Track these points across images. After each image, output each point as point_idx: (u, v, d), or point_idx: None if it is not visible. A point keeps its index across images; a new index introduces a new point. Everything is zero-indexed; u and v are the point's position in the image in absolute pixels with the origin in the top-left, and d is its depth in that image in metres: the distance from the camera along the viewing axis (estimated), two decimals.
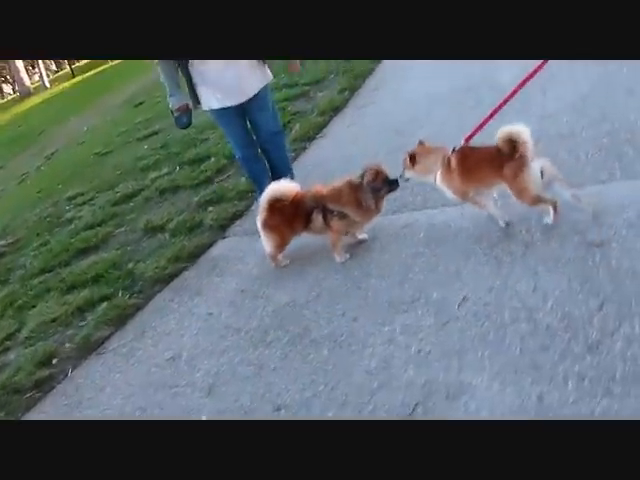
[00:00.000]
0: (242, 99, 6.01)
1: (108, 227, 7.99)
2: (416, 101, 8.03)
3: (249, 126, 6.28)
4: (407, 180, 5.08)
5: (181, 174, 8.74)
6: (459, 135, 4.81)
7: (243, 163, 6.48)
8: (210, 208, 7.27)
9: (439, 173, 4.83)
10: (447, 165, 4.75)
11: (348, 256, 5.29)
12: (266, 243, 5.49)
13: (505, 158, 4.44)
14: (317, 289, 5.01)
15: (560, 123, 6.01)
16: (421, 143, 5.00)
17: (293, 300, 5.00)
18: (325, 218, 5.28)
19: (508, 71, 7.36)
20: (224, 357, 4.70)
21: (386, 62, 10.28)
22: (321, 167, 7.18)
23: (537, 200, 4.52)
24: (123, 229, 7.81)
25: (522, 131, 4.36)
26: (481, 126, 4.67)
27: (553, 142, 5.66)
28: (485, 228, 4.86)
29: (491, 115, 4.65)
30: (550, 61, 4.46)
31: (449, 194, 4.88)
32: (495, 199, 4.94)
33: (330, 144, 7.84)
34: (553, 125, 6.02)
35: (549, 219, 4.56)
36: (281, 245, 5.51)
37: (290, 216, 5.36)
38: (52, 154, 16.21)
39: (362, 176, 5.17)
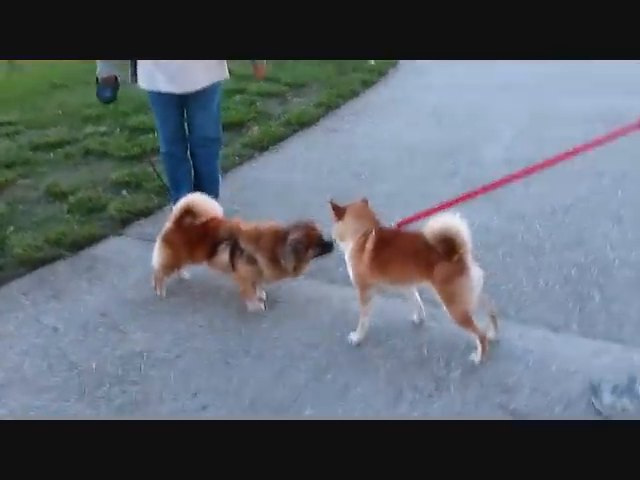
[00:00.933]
0: (184, 89, 5.01)
1: (13, 173, 6.92)
2: (390, 146, 7.09)
3: (185, 123, 5.27)
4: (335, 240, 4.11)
5: (115, 139, 7.70)
6: (417, 206, 3.92)
7: (165, 159, 5.48)
8: (124, 192, 6.25)
9: (350, 247, 3.87)
10: (362, 243, 3.79)
11: (262, 307, 4.38)
12: (156, 257, 4.54)
13: (437, 255, 3.51)
14: (182, 345, 4.04)
15: (530, 230, 5.10)
16: (363, 201, 4.00)
17: (149, 350, 4.02)
18: (233, 256, 4.30)
19: (495, 149, 6.50)
20: (40, 398, 3.70)
21: (378, 90, 9.33)
22: (257, 188, 6.21)
23: (467, 320, 3.60)
24: (27, 181, 6.75)
25: (460, 229, 3.45)
26: (424, 215, 3.75)
27: (515, 251, 4.76)
28: (402, 338, 3.93)
29: (443, 207, 3.73)
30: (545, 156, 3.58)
31: (351, 276, 3.93)
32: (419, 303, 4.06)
33: (279, 163, 6.86)
34: (522, 229, 5.12)
35: (476, 357, 3.63)
36: (171, 266, 4.57)
37: (195, 239, 4.43)
38: (21, 65, 14.95)
39: (288, 231, 4.19)
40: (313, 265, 4.50)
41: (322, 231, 4.21)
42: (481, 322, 3.71)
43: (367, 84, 9.46)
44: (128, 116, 8.52)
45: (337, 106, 8.57)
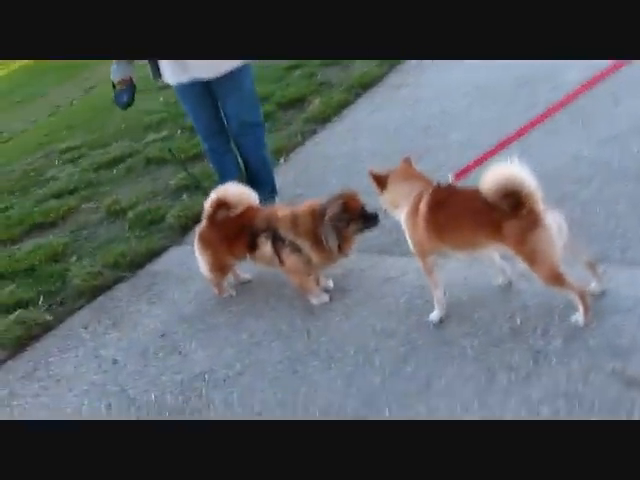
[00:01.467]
0: (209, 75, 4.54)
1: (76, 199, 6.70)
2: (460, 90, 6.40)
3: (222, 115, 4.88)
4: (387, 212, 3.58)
5: (175, 142, 7.34)
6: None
7: (208, 155, 5.09)
8: (183, 196, 5.87)
9: (405, 213, 3.33)
10: (415, 206, 3.24)
11: (327, 298, 3.87)
12: (200, 262, 4.19)
13: (502, 212, 2.92)
14: (245, 359, 3.62)
15: (627, 152, 4.38)
16: (406, 162, 3.48)
17: (210, 369, 3.63)
18: (276, 247, 3.83)
19: (580, 68, 5.72)
20: None
21: None
22: (321, 164, 5.70)
23: (557, 277, 2.97)
24: (90, 205, 6.48)
25: (522, 177, 2.83)
26: (484, 159, 3.17)
27: (612, 181, 4.06)
28: (489, 308, 3.34)
29: (504, 144, 3.14)
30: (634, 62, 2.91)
31: (410, 244, 3.39)
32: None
33: (343, 132, 6.32)
34: (617, 153, 4.39)
35: (579, 317, 3.00)
36: (219, 269, 4.17)
37: (232, 233, 4.02)
38: (91, 88, 14.96)
39: (325, 207, 3.69)
40: (384, 239, 4.00)
41: (364, 201, 3.73)
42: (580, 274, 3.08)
43: None
44: (186, 116, 8.14)
45: (401, 61, 7.90)
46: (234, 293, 4.24)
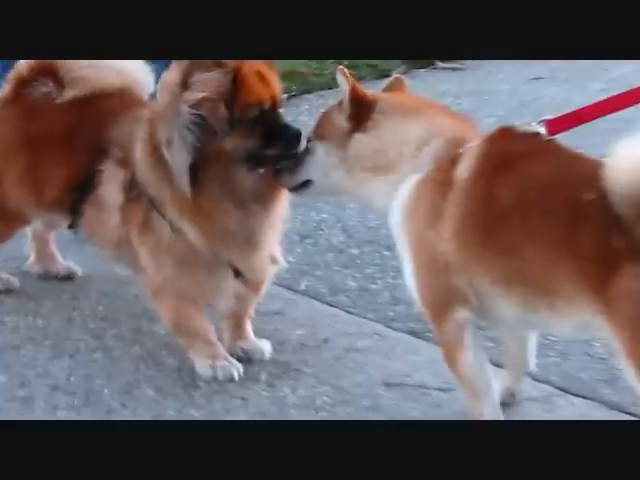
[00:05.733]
0: None
1: None
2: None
3: None
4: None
5: None
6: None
7: None
8: None
9: (412, 185, 2.15)
10: (443, 169, 2.11)
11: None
12: None
13: (632, 242, 1.84)
14: None
15: None
16: (398, 81, 2.47)
17: None
18: (129, 200, 2.57)
19: None
20: None
21: None
22: None
23: None
24: None
25: None
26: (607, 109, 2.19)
27: None
28: None
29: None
30: None
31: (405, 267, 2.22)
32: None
33: None
34: None
35: None
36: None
37: (51, 141, 2.66)
38: None
39: (189, 73, 2.36)
40: None
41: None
42: None
43: None
44: None
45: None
46: (17, 284, 3.23)
